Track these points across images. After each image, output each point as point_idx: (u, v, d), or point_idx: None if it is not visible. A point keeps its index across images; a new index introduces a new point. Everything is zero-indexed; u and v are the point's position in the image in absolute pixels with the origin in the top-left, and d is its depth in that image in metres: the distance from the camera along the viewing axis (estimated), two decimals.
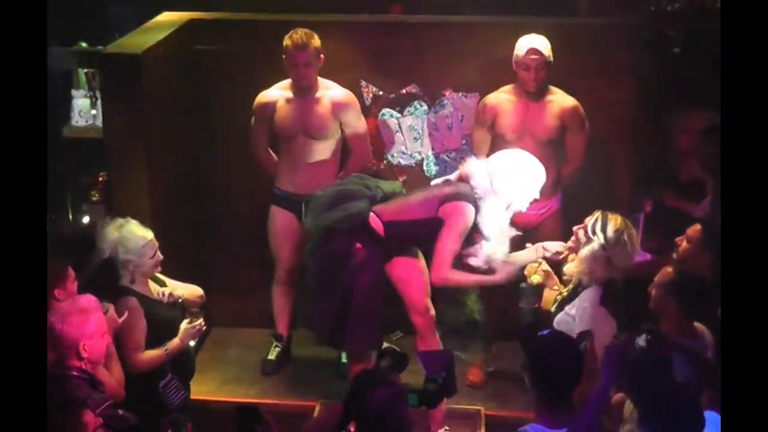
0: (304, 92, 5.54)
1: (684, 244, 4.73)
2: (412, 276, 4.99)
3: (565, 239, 4.71)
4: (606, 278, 4.39)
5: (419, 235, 4.92)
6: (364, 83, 5.94)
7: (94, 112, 6.64)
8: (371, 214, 4.90)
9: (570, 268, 4.52)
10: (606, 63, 5.80)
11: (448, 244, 4.78)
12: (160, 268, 4.71)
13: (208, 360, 5.84)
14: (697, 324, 4.28)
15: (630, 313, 4.35)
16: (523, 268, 4.79)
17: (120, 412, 3.87)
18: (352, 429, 3.59)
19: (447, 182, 5.04)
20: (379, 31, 6.04)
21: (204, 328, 4.71)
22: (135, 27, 5.92)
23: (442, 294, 5.02)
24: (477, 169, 4.88)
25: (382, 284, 4.94)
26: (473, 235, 4.85)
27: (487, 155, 5.23)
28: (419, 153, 6.06)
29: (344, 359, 5.44)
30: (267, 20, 6.07)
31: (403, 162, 6.08)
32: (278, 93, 5.60)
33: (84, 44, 7.02)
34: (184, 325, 4.64)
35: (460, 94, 5.95)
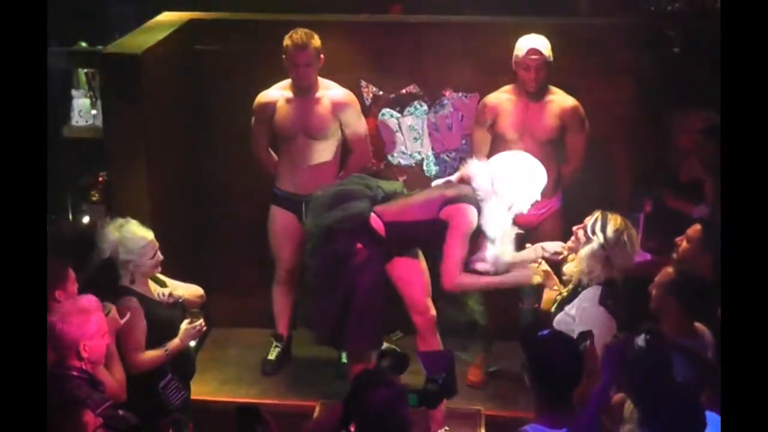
0: (304, 92, 5.54)
1: (684, 244, 4.74)
2: (413, 276, 5.00)
3: (565, 239, 4.71)
4: (606, 278, 4.38)
5: (420, 235, 4.92)
6: (364, 83, 5.94)
7: (94, 112, 6.63)
8: (372, 214, 4.90)
9: (570, 268, 4.52)
10: (606, 63, 5.80)
11: (455, 247, 4.76)
12: (160, 268, 4.70)
13: (208, 360, 5.83)
14: (697, 324, 4.29)
15: (630, 313, 4.34)
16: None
17: (120, 412, 3.86)
18: (352, 429, 3.58)
19: (448, 184, 5.03)
20: (379, 31, 6.04)
21: (204, 328, 4.71)
22: (135, 27, 5.92)
23: (442, 294, 5.01)
24: (478, 170, 4.86)
25: (383, 284, 4.94)
26: (477, 238, 4.84)
27: (487, 155, 5.23)
28: (419, 153, 6.05)
29: (344, 359, 5.43)
30: (267, 20, 6.07)
31: (403, 162, 6.08)
32: (278, 93, 5.60)
33: (84, 44, 7.01)
34: (185, 325, 4.64)
35: (460, 94, 5.94)
